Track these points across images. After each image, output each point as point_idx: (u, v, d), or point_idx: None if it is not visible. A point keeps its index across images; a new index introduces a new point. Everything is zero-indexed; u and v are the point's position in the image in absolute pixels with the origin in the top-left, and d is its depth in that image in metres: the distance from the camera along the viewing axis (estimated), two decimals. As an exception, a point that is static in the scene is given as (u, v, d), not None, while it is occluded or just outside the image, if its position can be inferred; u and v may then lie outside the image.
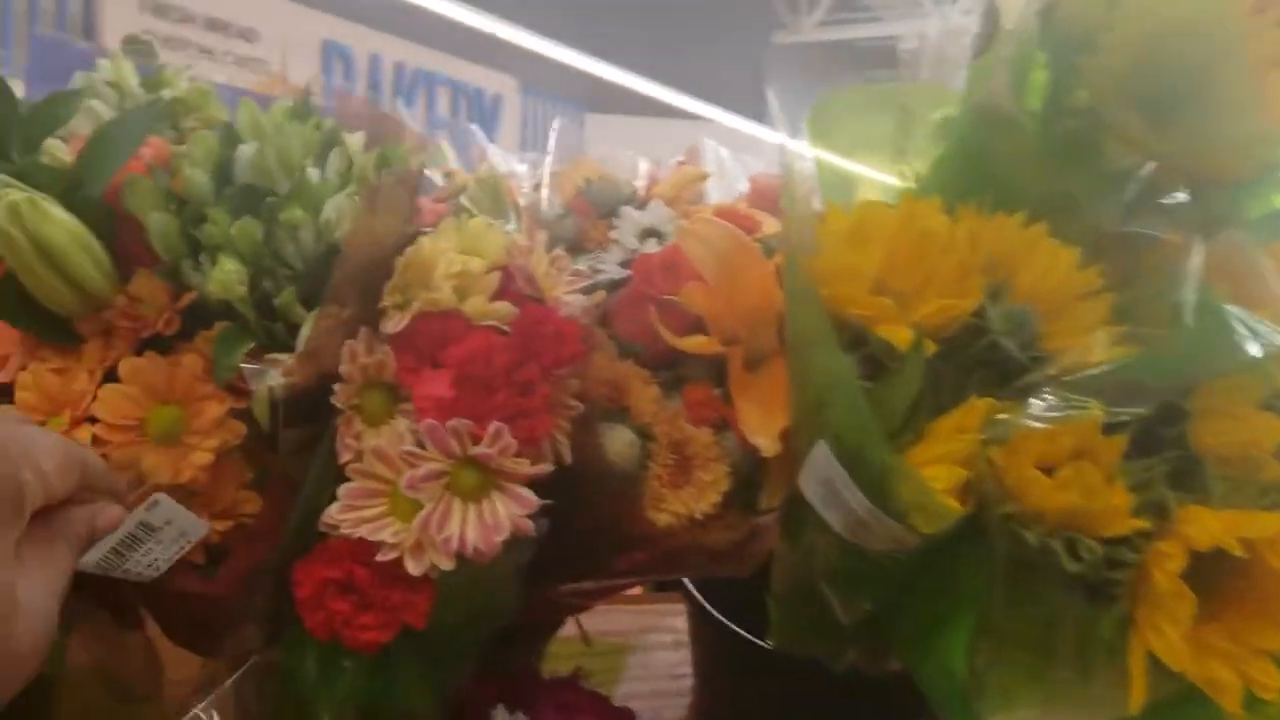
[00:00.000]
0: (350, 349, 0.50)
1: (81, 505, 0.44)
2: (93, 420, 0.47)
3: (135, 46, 0.70)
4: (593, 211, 0.65)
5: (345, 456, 0.50)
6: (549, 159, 0.67)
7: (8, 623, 0.39)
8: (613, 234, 0.62)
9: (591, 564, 0.60)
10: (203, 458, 0.48)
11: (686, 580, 0.80)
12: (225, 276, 0.47)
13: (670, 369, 0.59)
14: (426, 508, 0.48)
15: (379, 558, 0.48)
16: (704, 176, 0.68)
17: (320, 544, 0.49)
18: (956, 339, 0.50)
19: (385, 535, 0.48)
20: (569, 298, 0.55)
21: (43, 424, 0.47)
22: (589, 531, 0.57)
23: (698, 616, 0.83)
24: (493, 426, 0.47)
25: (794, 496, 0.57)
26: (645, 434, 0.56)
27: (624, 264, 0.61)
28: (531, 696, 0.62)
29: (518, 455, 0.48)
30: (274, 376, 0.48)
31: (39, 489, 0.40)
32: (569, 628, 0.78)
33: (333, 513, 0.49)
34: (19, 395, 0.47)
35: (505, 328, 0.52)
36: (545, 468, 0.49)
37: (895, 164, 0.59)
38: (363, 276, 0.49)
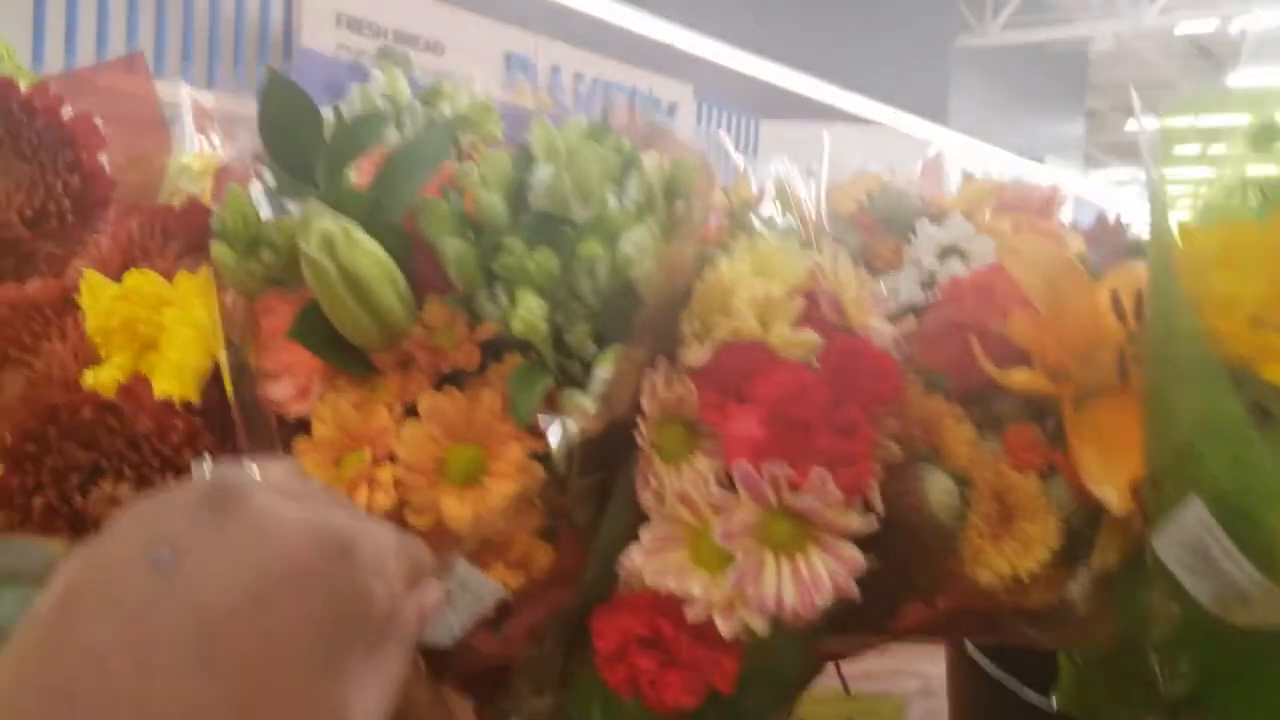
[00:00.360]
0: (650, 384, 0.46)
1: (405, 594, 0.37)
2: (392, 459, 0.44)
3: (390, 58, 0.69)
4: (880, 227, 0.59)
5: (646, 498, 0.46)
6: (823, 171, 0.62)
7: None
8: (908, 251, 0.56)
9: (889, 622, 0.54)
10: (501, 500, 0.44)
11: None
12: (529, 315, 0.43)
13: (980, 404, 0.53)
14: (739, 561, 0.43)
15: (688, 617, 0.43)
16: (999, 189, 0.61)
17: (623, 594, 0.45)
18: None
19: (693, 588, 0.44)
20: (879, 325, 0.49)
21: (339, 460, 0.45)
22: (891, 587, 0.51)
23: (961, 665, 0.76)
24: (816, 473, 0.42)
25: (1136, 557, 0.50)
26: (962, 480, 0.50)
27: (923, 285, 0.55)
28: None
29: (841, 505, 0.43)
30: (572, 422, 0.44)
31: (385, 599, 0.33)
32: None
33: (635, 558, 0.45)
34: (316, 429, 0.45)
35: (813, 360, 0.47)
36: (872, 522, 0.44)
37: (1252, 173, 0.51)
38: (663, 316, 0.45)
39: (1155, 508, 0.46)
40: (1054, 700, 0.67)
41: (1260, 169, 0.51)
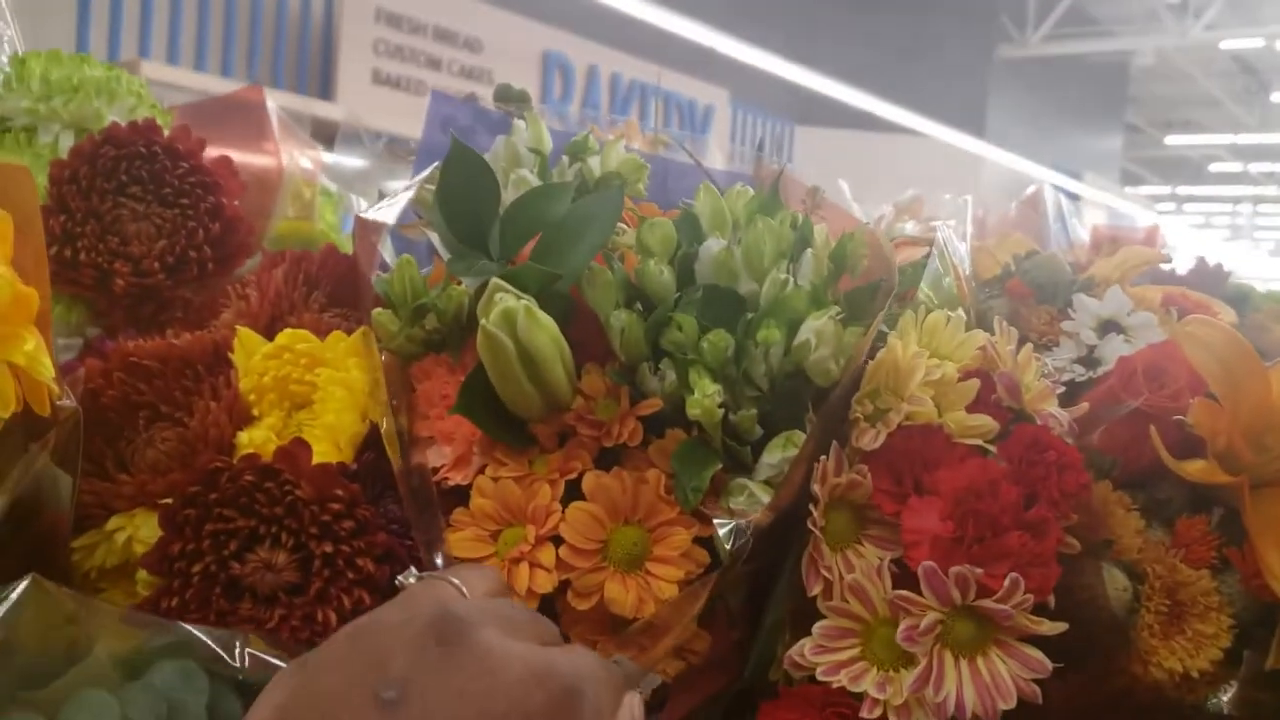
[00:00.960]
0: (821, 469, 0.44)
1: None
2: (555, 541, 0.43)
3: (509, 95, 0.68)
4: (1031, 296, 0.57)
5: (815, 588, 0.44)
6: (968, 231, 0.60)
7: None
8: (1065, 326, 0.55)
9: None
10: (667, 589, 0.43)
11: None
12: (707, 401, 0.42)
13: (1146, 489, 0.51)
14: (919, 664, 0.42)
15: (863, 714, 0.42)
16: (1160, 259, 0.59)
17: (792, 689, 0.43)
18: None
19: (867, 686, 0.42)
20: (1055, 411, 0.47)
21: (498, 535, 0.44)
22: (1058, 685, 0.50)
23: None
24: (1010, 578, 0.41)
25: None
26: (1134, 574, 0.48)
27: (1084, 363, 0.54)
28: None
29: (1029, 609, 0.41)
30: (742, 512, 0.42)
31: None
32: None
33: (805, 652, 0.43)
34: (476, 501, 0.44)
35: (989, 446, 0.45)
36: (1059, 626, 0.42)
37: None
38: (839, 405, 0.44)
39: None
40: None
41: None
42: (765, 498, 0.43)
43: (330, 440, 0.46)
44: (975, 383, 0.46)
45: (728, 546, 0.43)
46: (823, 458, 0.44)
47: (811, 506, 0.44)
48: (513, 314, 0.40)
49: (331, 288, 0.53)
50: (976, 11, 6.96)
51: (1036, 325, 0.56)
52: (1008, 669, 0.42)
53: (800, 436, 0.44)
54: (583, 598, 0.43)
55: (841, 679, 0.42)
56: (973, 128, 6.63)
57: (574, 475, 0.44)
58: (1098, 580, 0.46)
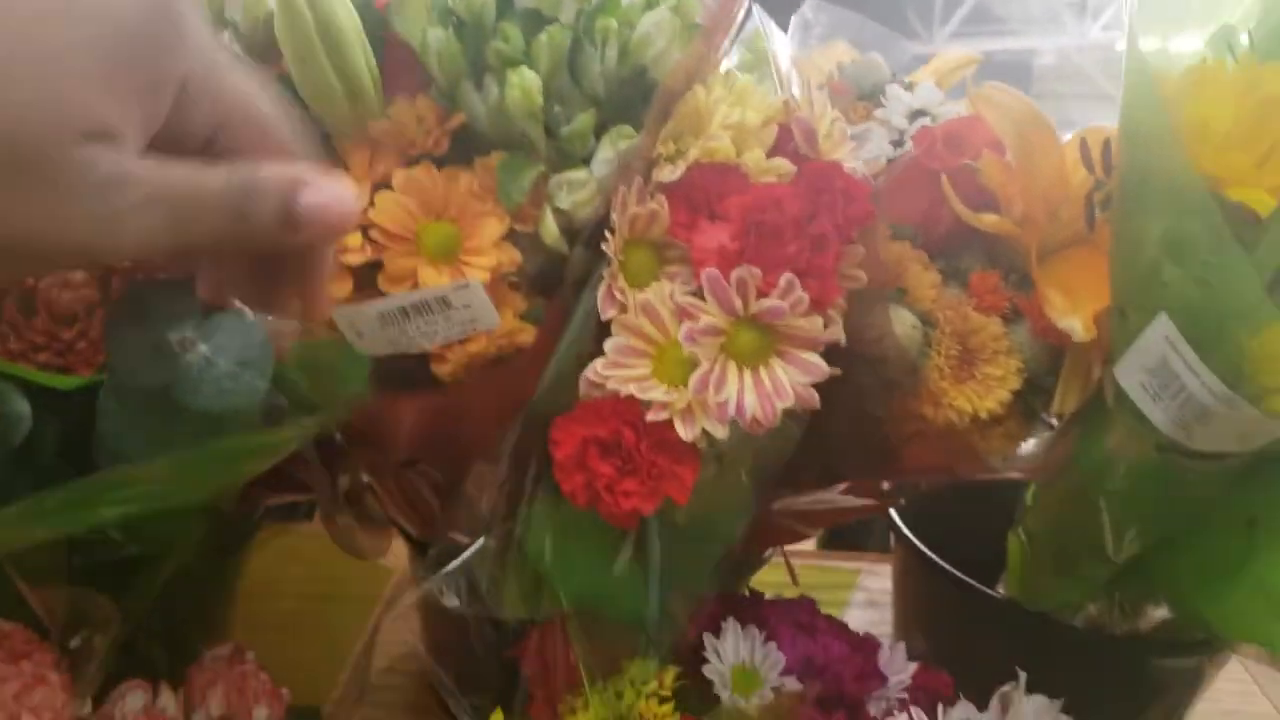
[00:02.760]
0: (621, 196, 0.45)
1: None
2: (362, 231, 0.43)
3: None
4: (850, 92, 0.59)
5: (609, 311, 0.45)
6: (785, 40, 0.61)
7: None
8: (878, 113, 0.56)
9: (844, 467, 0.54)
10: (479, 276, 0.44)
11: (896, 518, 0.73)
12: (525, 83, 0.42)
13: (946, 258, 0.53)
14: (702, 367, 0.43)
15: (649, 417, 0.43)
16: (972, 61, 0.61)
17: (584, 402, 0.44)
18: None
19: (656, 395, 0.43)
20: (851, 161, 0.49)
21: None
22: (846, 428, 0.51)
23: (907, 564, 0.76)
24: (784, 278, 0.42)
25: (1091, 401, 0.50)
26: (926, 321, 0.50)
27: (893, 144, 0.55)
28: (760, 614, 0.56)
29: (807, 314, 0.43)
30: (566, 197, 0.43)
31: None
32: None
33: (598, 368, 0.44)
34: None
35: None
36: (837, 332, 0.44)
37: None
38: (667, 115, 0.45)
39: (1119, 337, 0.46)
40: (1001, 588, 0.67)
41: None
42: (589, 190, 0.44)
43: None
44: (774, 128, 0.48)
45: (556, 234, 0.44)
46: (622, 188, 0.45)
47: (609, 234, 0.45)
48: None
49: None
50: (883, 7, 7.07)
51: (853, 119, 0.58)
52: (788, 375, 0.43)
53: (630, 130, 0.45)
54: (396, 282, 0.44)
55: (631, 389, 0.43)
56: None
57: (381, 179, 0.44)
58: (885, 319, 0.48)
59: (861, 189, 0.46)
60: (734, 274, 0.42)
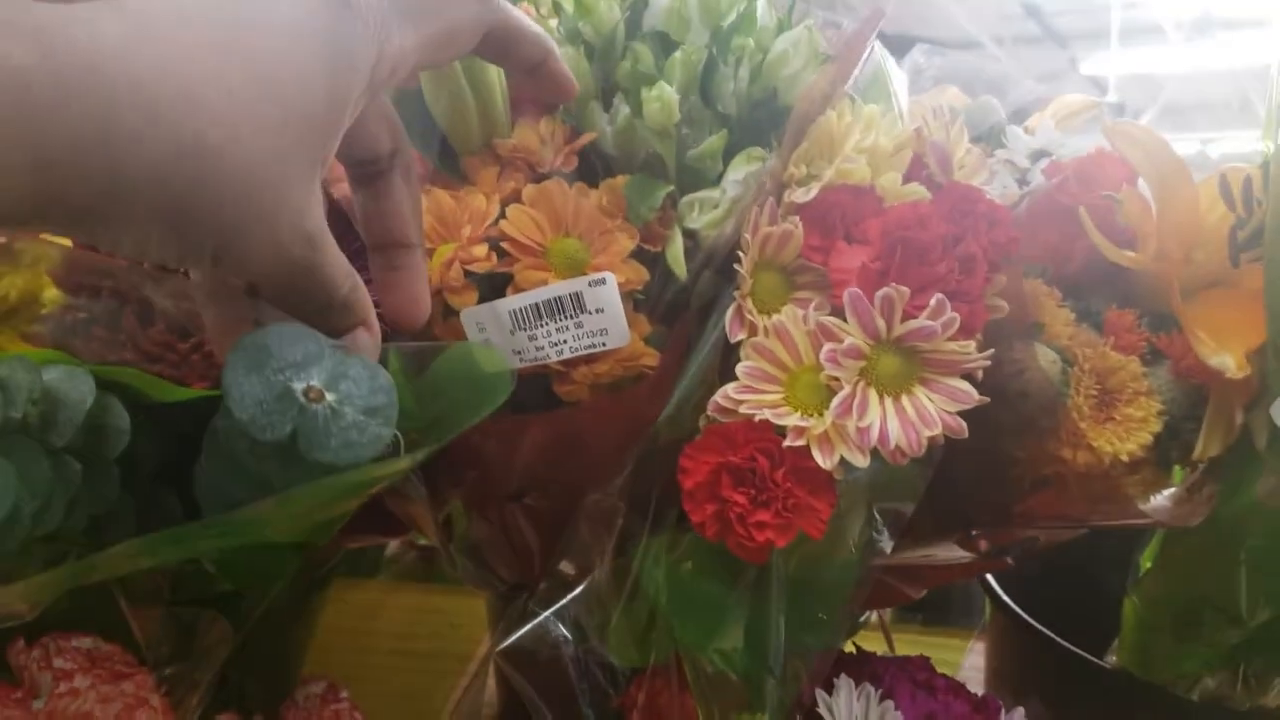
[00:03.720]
0: (753, 218, 0.44)
1: None
2: (493, 245, 0.42)
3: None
4: (965, 135, 0.58)
5: (739, 334, 0.43)
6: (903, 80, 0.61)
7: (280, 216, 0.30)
8: (1000, 153, 0.55)
9: (970, 513, 0.52)
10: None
11: (995, 585, 0.70)
12: (665, 98, 0.41)
13: (1077, 297, 0.51)
14: (843, 392, 0.41)
15: (786, 442, 0.41)
16: (1093, 105, 0.60)
17: (715, 427, 0.42)
18: None
19: (793, 420, 0.41)
20: (987, 190, 0.47)
21: (432, 252, 0.43)
22: (977, 470, 0.49)
23: (1004, 633, 0.72)
24: (935, 298, 0.40)
25: (1236, 447, 0.48)
26: (1064, 359, 0.47)
27: (1018, 183, 0.54)
28: (875, 671, 0.53)
29: (956, 338, 0.41)
30: (697, 217, 0.42)
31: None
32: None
33: (729, 392, 0.42)
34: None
35: (921, 211, 0.45)
36: (986, 359, 0.41)
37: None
38: (800, 138, 0.44)
39: (1276, 380, 0.44)
40: (1110, 658, 0.64)
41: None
42: (721, 210, 0.43)
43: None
44: (909, 152, 0.47)
45: (682, 259, 0.43)
46: (754, 209, 0.44)
47: (740, 253, 0.44)
48: None
49: None
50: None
51: (971, 161, 0.57)
52: (934, 404, 0.41)
53: (760, 152, 0.44)
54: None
55: (767, 414, 0.41)
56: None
57: (509, 195, 0.43)
58: (1028, 353, 0.45)
59: (1005, 213, 0.44)
60: (879, 294, 0.41)
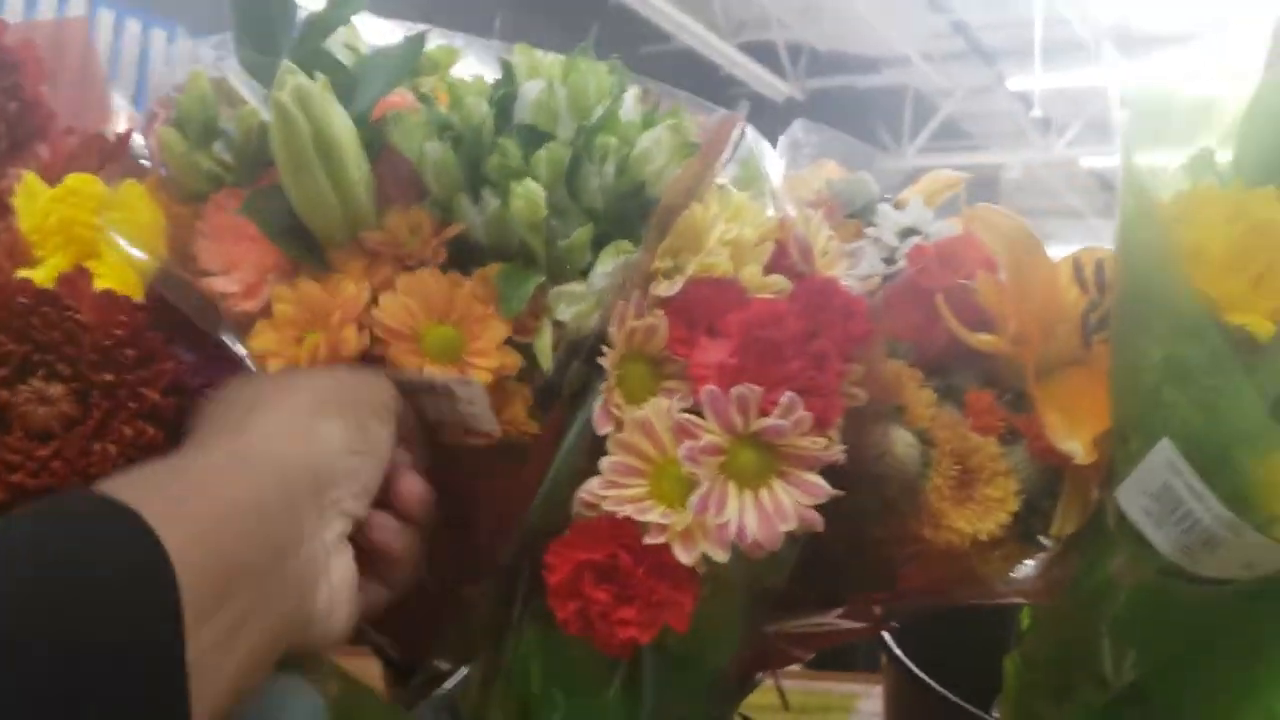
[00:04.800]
0: (619, 310, 0.45)
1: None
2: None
3: None
4: (839, 212, 0.60)
5: (605, 427, 0.44)
6: (779, 159, 0.62)
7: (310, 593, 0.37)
8: (869, 231, 0.57)
9: (842, 589, 0.53)
10: (482, 377, 0.43)
11: (890, 640, 0.71)
12: (530, 194, 0.42)
13: (941, 376, 0.52)
14: (702, 487, 0.42)
15: (647, 539, 0.41)
16: (958, 183, 0.62)
17: (579, 523, 0.43)
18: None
19: (654, 516, 0.42)
20: (847, 280, 0.49)
21: (302, 339, 0.44)
22: (845, 550, 0.50)
23: (899, 687, 0.74)
24: (786, 396, 0.41)
25: (1092, 523, 0.50)
26: (924, 440, 0.49)
27: (885, 262, 0.56)
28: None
29: (809, 434, 0.42)
30: (565, 309, 0.43)
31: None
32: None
33: (593, 488, 0.43)
34: (277, 309, 0.43)
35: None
36: (838, 453, 0.43)
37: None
38: (666, 230, 0.45)
39: (1120, 461, 0.45)
40: (995, 713, 0.65)
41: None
42: (588, 303, 0.44)
43: (117, 277, 0.44)
44: (770, 245, 0.48)
45: (549, 351, 0.44)
46: (620, 302, 0.45)
47: (606, 351, 0.44)
48: (306, 91, 0.40)
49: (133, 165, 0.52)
50: (853, 123, 7.30)
51: (844, 238, 0.58)
52: (789, 496, 0.42)
53: (629, 245, 0.45)
54: None
55: (628, 510, 0.42)
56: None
57: (381, 283, 0.44)
58: (884, 437, 0.47)
59: (860, 305, 0.46)
60: (734, 391, 0.42)
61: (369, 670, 0.59)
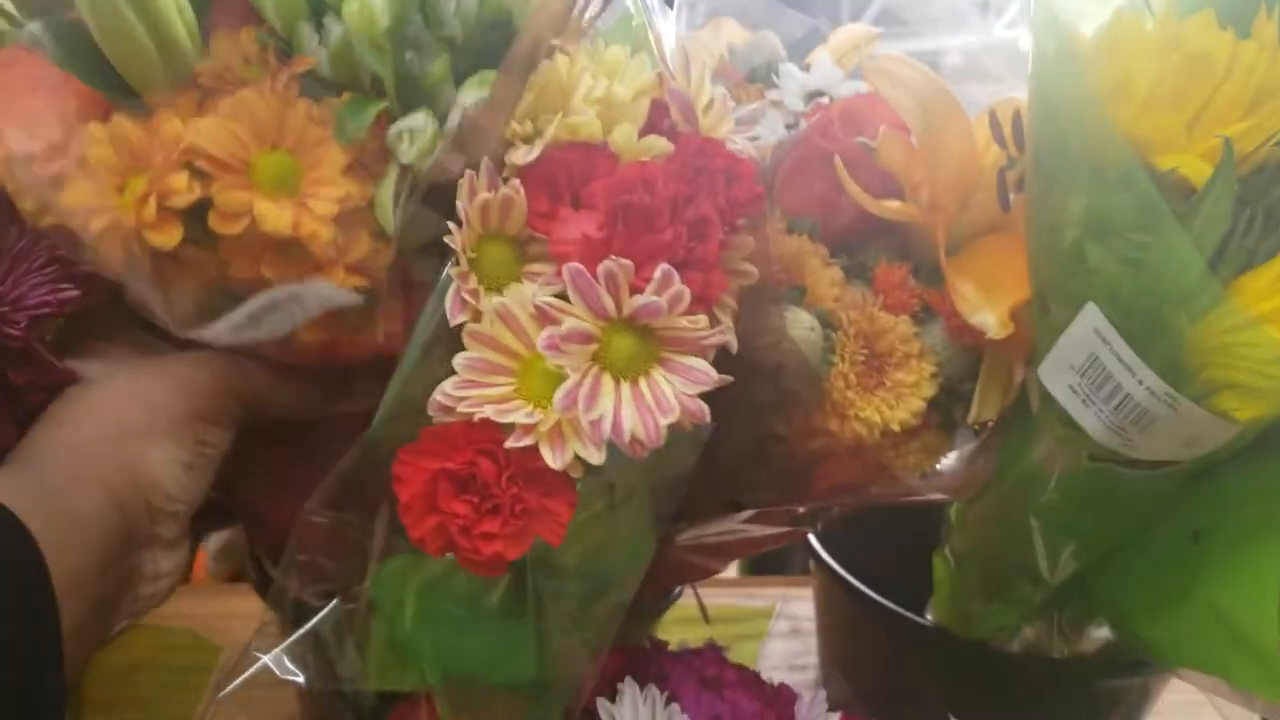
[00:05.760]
0: (468, 182, 0.39)
1: None
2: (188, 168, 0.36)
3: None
4: (740, 75, 0.54)
5: (459, 317, 0.38)
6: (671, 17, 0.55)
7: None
8: (772, 95, 0.51)
9: (748, 492, 0.48)
10: (325, 208, 0.37)
11: (816, 543, 0.67)
12: (366, 5, 0.36)
13: (848, 254, 0.47)
14: (570, 380, 0.36)
15: (509, 443, 0.36)
16: (874, 38, 0.56)
17: (431, 429, 0.37)
18: (1260, 175, 0.38)
19: (517, 417, 0.36)
20: (737, 141, 0.43)
21: (124, 186, 0.37)
22: (746, 448, 0.45)
23: (828, 592, 0.70)
24: (660, 269, 0.36)
25: (1015, 408, 0.45)
26: (827, 323, 0.44)
27: (787, 128, 0.50)
28: (663, 669, 0.50)
29: (689, 312, 0.36)
30: (408, 150, 0.37)
31: None
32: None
33: (447, 389, 0.37)
34: (92, 152, 0.37)
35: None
36: (726, 335, 0.37)
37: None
38: (529, 65, 0.39)
39: (1042, 333, 0.41)
40: (929, 614, 0.62)
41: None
42: (427, 136, 0.38)
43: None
44: (646, 101, 0.42)
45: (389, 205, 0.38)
46: (469, 172, 0.39)
47: (455, 230, 0.38)
48: None
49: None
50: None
51: (743, 101, 0.52)
52: (671, 386, 0.37)
53: (494, 75, 0.39)
54: (229, 219, 0.37)
55: (487, 411, 0.36)
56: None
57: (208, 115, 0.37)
58: (780, 321, 0.41)
59: (747, 167, 0.40)
60: (601, 268, 0.36)
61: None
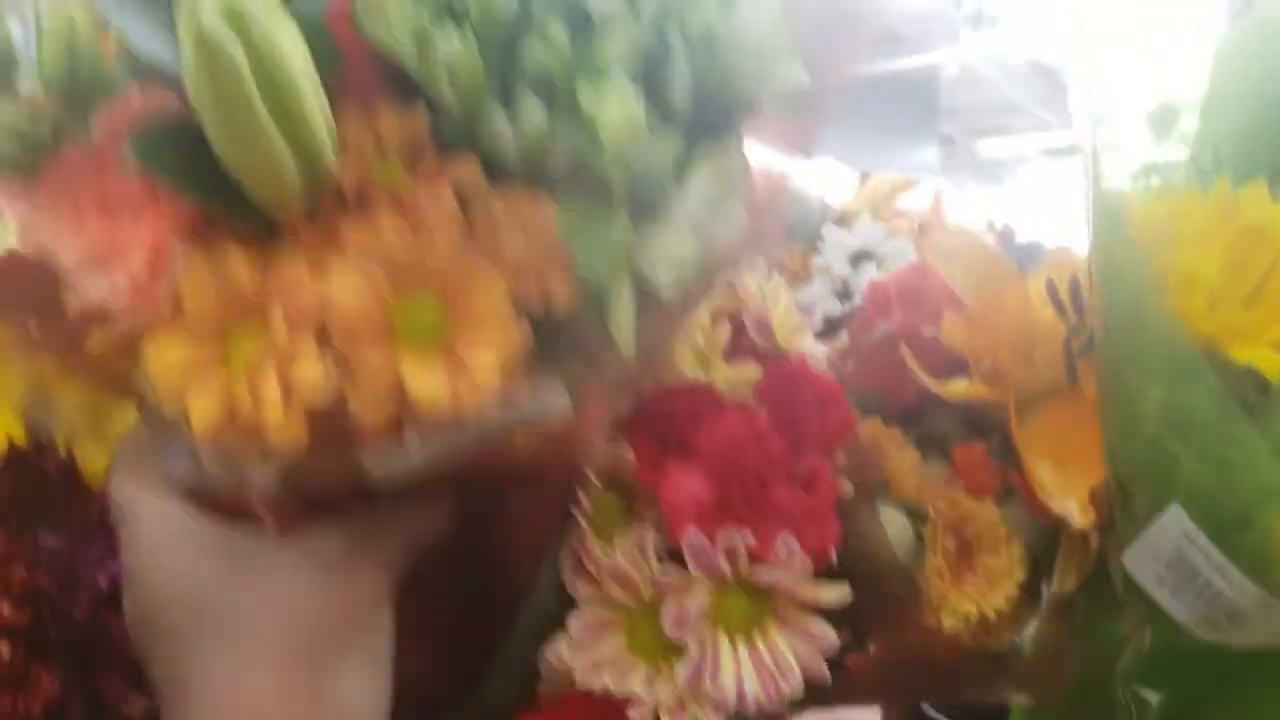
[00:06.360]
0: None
1: None
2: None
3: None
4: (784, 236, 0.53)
5: (577, 583, 0.38)
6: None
7: None
8: (817, 262, 0.51)
9: (845, 693, 0.48)
10: (483, 365, 0.29)
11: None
12: (625, 103, 0.29)
13: (918, 424, 0.47)
14: (691, 652, 0.36)
15: (632, 715, 0.36)
16: (907, 184, 0.56)
17: (549, 695, 0.37)
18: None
19: (634, 684, 0.36)
20: (810, 345, 0.43)
21: (224, 339, 0.29)
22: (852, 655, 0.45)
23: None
24: (783, 542, 0.35)
25: (1092, 576, 0.46)
26: (914, 513, 0.44)
27: (838, 295, 0.50)
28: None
29: (809, 574, 0.36)
30: (666, 272, 0.30)
31: None
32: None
33: (562, 652, 0.37)
34: (188, 305, 0.29)
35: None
36: (844, 592, 0.37)
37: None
38: None
39: (1123, 520, 0.41)
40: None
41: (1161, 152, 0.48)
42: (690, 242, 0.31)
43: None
44: (726, 326, 0.41)
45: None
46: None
47: (581, 491, 0.38)
48: (240, 7, 0.25)
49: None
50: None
51: (789, 265, 0.52)
52: (791, 647, 0.37)
53: (719, 151, 0.32)
54: (373, 403, 0.28)
55: (605, 679, 0.36)
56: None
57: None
58: (875, 525, 0.41)
59: (836, 393, 0.40)
60: (721, 540, 0.35)
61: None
